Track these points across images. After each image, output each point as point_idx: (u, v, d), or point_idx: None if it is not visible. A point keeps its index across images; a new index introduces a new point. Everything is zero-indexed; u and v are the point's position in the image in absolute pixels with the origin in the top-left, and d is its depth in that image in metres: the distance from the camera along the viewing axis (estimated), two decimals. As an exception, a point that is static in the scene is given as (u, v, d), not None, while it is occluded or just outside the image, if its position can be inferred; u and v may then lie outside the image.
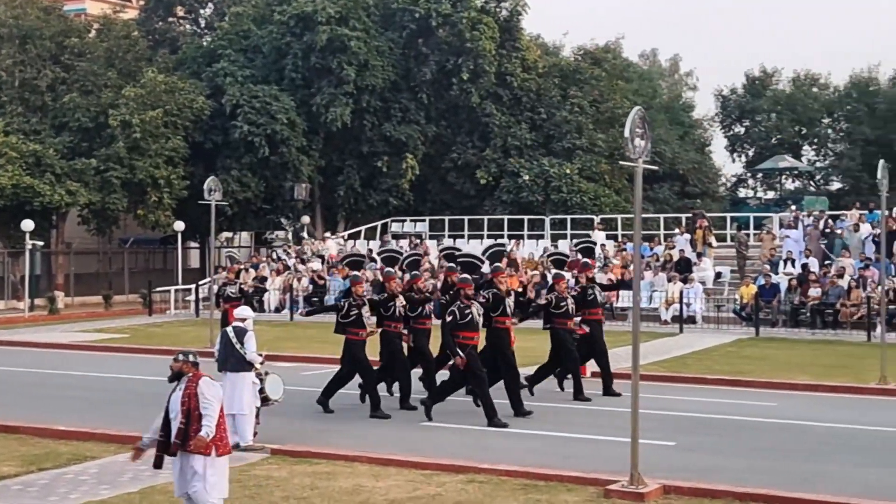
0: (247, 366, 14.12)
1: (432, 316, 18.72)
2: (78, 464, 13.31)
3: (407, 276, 19.76)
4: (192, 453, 9.71)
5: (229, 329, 14.41)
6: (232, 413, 14.09)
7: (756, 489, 11.53)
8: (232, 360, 14.14)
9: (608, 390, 18.21)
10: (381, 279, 18.70)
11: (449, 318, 15.71)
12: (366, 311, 16.99)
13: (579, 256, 32.08)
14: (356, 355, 16.76)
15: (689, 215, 38.19)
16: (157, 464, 10.07)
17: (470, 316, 15.63)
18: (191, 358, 10.04)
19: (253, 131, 41.76)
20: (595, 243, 21.68)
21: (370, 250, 36.81)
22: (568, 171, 44.06)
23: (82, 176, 38.78)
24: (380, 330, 17.11)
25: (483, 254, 20.17)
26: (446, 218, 43.92)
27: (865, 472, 12.60)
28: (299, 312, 26.40)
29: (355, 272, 17.28)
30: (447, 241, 40.14)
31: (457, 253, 19.50)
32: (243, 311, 14.90)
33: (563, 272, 19.19)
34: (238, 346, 14.09)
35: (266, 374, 14.54)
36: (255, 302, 32.18)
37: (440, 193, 47.25)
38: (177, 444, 9.75)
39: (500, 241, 37.21)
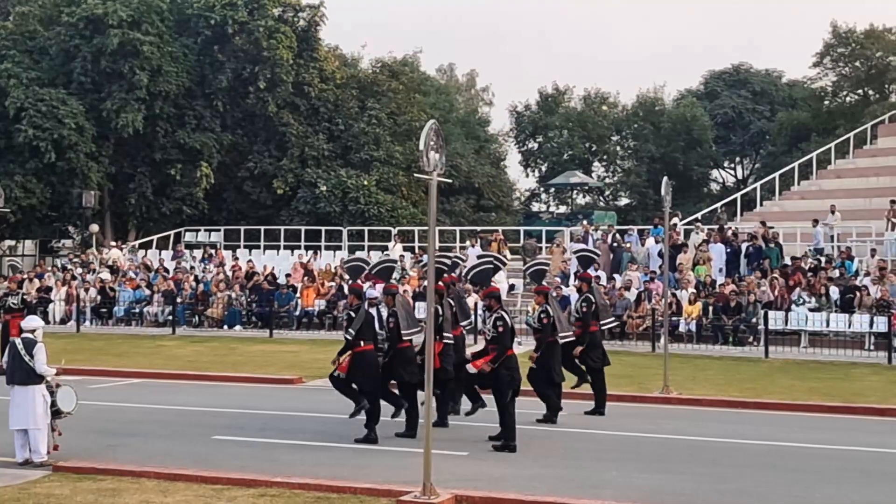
0: (36, 378, 13.63)
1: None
2: None
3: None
4: None
5: (17, 340, 13.82)
6: (23, 428, 13.56)
7: (544, 497, 11.80)
8: (20, 373, 13.61)
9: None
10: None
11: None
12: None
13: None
14: None
15: (487, 228, 38.90)
16: None
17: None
18: None
19: (38, 135, 40.23)
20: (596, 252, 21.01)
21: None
22: (365, 183, 44.22)
23: None
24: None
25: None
26: (242, 228, 43.32)
27: (647, 478, 13.06)
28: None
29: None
30: (242, 252, 39.60)
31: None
32: (32, 321, 14.36)
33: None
34: (27, 358, 13.59)
35: (57, 385, 13.98)
36: (40, 313, 30.89)
37: (236, 203, 46.62)
38: None
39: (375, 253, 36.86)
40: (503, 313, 14.90)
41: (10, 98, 40.73)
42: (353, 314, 15.26)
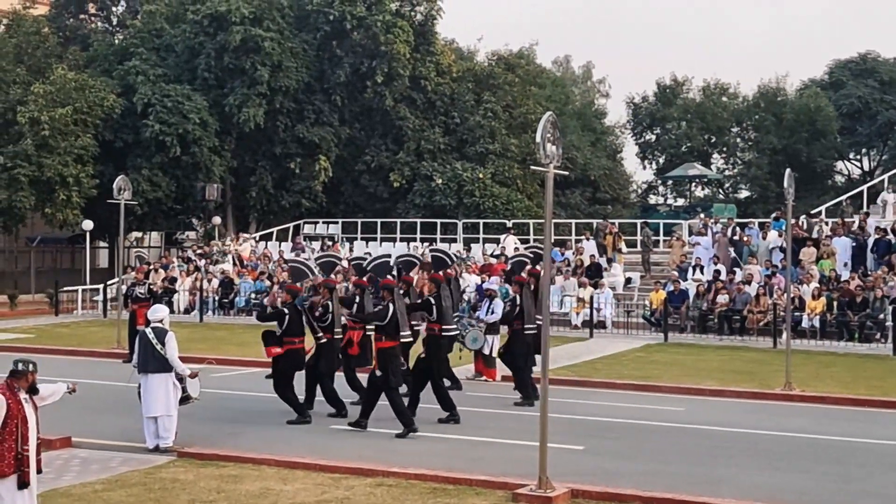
0: (168, 366, 14.01)
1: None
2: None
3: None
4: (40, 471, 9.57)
5: (148, 330, 14.18)
6: (155, 415, 13.96)
7: (662, 493, 11.65)
8: (153, 362, 13.99)
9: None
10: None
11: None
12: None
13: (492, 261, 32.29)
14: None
15: (598, 221, 38.61)
16: (26, 483, 9.37)
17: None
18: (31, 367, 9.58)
19: (164, 130, 41.23)
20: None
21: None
22: (481, 176, 44.25)
23: (-12, 173, 37.89)
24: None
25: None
26: (359, 220, 43.80)
27: (768, 477, 12.82)
28: None
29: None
30: (359, 244, 40.05)
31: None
32: (158, 311, 14.68)
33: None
34: (159, 347, 13.96)
35: (192, 375, 14.41)
36: (165, 303, 31.70)
37: (353, 196, 47.13)
38: (40, 459, 9.54)
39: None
40: (391, 305, 15.25)
41: (138, 94, 41.82)
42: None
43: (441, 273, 17.48)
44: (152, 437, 14.00)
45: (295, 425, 15.84)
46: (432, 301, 16.43)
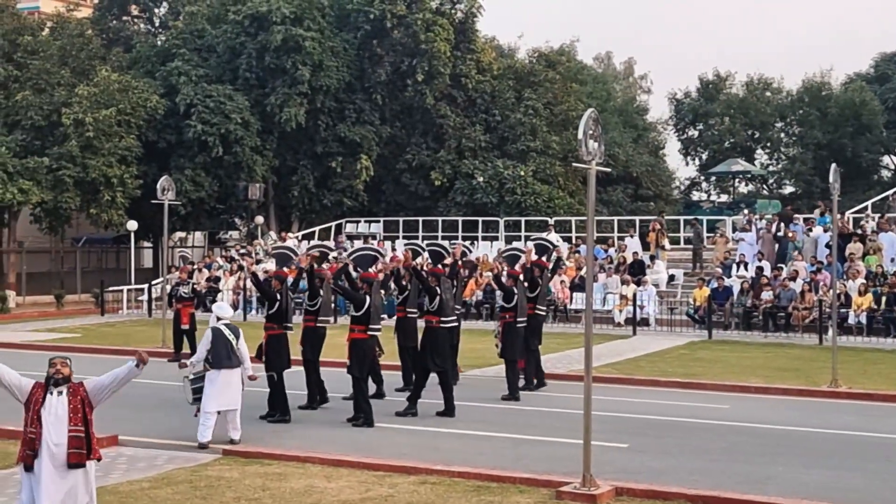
0: (240, 361, 14.41)
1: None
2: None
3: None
4: (81, 464, 9.11)
5: (221, 326, 14.49)
6: (230, 409, 14.37)
7: (707, 491, 11.58)
8: (232, 357, 14.34)
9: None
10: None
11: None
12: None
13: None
14: None
15: (646, 218, 38.39)
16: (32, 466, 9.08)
17: None
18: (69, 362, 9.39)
19: (207, 131, 41.50)
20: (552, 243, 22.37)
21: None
22: (522, 173, 44.16)
23: (35, 174, 38.23)
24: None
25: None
26: (400, 219, 43.87)
27: (815, 475, 12.69)
28: None
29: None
30: (400, 243, 40.07)
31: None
32: (226, 309, 15.09)
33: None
34: (234, 341, 14.34)
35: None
36: (209, 302, 31.92)
37: (394, 194, 47.19)
38: (80, 453, 9.03)
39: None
40: (367, 298, 15.79)
41: (181, 95, 42.14)
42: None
43: (441, 266, 17.92)
44: (207, 432, 14.08)
45: (276, 423, 16.05)
46: (437, 291, 16.73)
